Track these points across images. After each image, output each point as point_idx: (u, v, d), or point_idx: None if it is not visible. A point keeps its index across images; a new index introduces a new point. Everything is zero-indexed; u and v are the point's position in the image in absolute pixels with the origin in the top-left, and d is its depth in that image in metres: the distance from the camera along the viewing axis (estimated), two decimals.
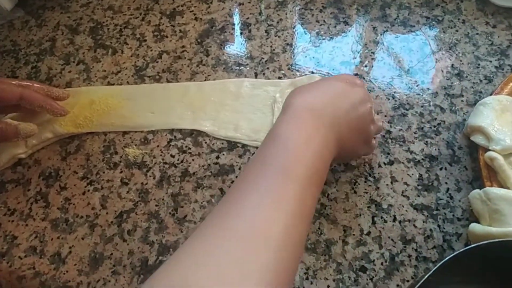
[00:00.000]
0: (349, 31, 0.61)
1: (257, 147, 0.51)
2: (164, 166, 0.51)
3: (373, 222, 0.45)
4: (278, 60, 0.59)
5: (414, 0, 0.63)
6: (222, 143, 0.52)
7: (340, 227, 0.45)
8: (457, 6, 0.62)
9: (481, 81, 0.54)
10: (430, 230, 0.44)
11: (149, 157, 0.52)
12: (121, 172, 0.51)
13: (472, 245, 0.34)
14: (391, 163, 0.49)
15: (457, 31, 0.59)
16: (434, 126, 0.51)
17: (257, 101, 0.55)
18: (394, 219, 0.45)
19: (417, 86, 0.54)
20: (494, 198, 0.40)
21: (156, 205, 0.48)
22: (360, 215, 0.46)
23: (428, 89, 0.54)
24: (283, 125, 0.37)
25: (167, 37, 0.63)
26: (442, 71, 0.55)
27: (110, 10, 0.68)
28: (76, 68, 0.62)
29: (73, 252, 0.46)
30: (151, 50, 0.62)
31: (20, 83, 0.50)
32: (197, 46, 0.62)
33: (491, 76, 0.54)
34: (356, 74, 0.56)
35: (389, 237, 0.44)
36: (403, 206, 0.46)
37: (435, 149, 0.49)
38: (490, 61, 0.55)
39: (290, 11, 0.64)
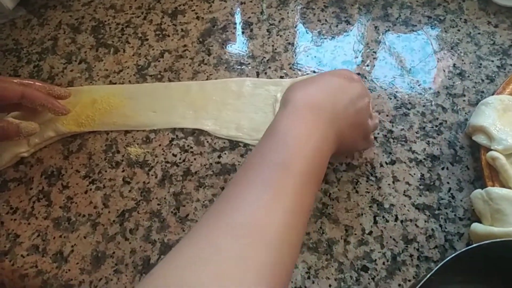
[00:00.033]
0: (350, 30, 0.61)
1: None
2: (166, 165, 0.51)
3: (375, 222, 0.45)
4: (279, 60, 0.59)
5: None
6: (224, 142, 0.52)
7: (341, 226, 0.45)
8: (459, 6, 0.61)
9: (483, 80, 0.54)
10: (432, 229, 0.44)
11: (151, 156, 0.52)
12: (123, 171, 0.51)
13: (474, 245, 0.34)
14: (393, 162, 0.49)
15: (459, 30, 0.59)
16: (436, 126, 0.51)
17: (259, 100, 0.55)
18: (396, 219, 0.45)
19: (419, 85, 0.54)
20: (496, 198, 0.40)
21: (158, 204, 0.49)
22: (362, 214, 0.46)
23: (430, 88, 0.54)
24: (283, 120, 0.37)
25: (169, 36, 0.63)
26: (444, 71, 0.55)
27: (112, 9, 0.68)
28: (78, 67, 0.62)
29: (75, 251, 0.46)
30: (153, 49, 0.62)
31: (21, 82, 0.50)
32: (199, 45, 0.62)
33: (493, 75, 0.54)
34: (358, 74, 0.56)
35: (390, 237, 0.44)
36: (404, 206, 0.46)
37: (437, 149, 0.49)
38: (492, 61, 0.55)
39: (292, 10, 0.64)
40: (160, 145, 0.53)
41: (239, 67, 0.59)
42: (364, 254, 0.43)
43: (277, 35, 0.61)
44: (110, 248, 0.46)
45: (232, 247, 0.28)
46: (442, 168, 0.48)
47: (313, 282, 0.42)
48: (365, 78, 0.56)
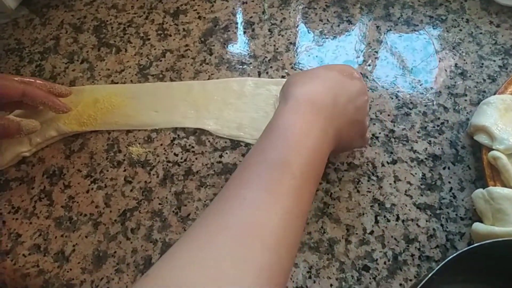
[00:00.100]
0: (352, 30, 0.61)
1: None
2: (167, 165, 0.51)
3: (376, 221, 0.45)
4: (281, 59, 0.59)
5: None
6: (225, 142, 0.52)
7: (343, 226, 0.45)
8: (461, 5, 0.61)
9: (484, 80, 0.54)
10: (433, 229, 0.44)
11: (153, 155, 0.52)
12: (124, 170, 0.52)
13: (475, 245, 0.34)
14: (394, 162, 0.49)
15: (460, 30, 0.59)
16: (438, 126, 0.51)
17: (260, 100, 0.55)
18: (397, 218, 0.45)
19: (420, 85, 0.54)
20: (497, 197, 0.40)
21: (160, 204, 0.49)
22: (363, 214, 0.46)
23: (431, 88, 0.54)
24: (284, 115, 0.37)
25: (170, 35, 0.64)
26: (446, 71, 0.55)
27: (114, 9, 0.68)
28: (80, 67, 0.62)
29: (77, 250, 0.46)
30: (155, 49, 0.62)
31: (22, 80, 0.50)
32: (200, 45, 0.62)
33: (495, 75, 0.54)
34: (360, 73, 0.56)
35: (392, 236, 0.44)
36: (406, 205, 0.46)
37: (438, 149, 0.49)
38: (494, 61, 0.55)
39: (294, 10, 0.64)
40: (161, 144, 0.53)
41: (241, 66, 0.59)
42: (365, 254, 0.43)
43: (279, 35, 0.62)
44: (111, 247, 0.46)
45: (230, 248, 0.28)
46: (444, 168, 0.48)
47: (314, 282, 0.42)
48: (367, 77, 0.56)
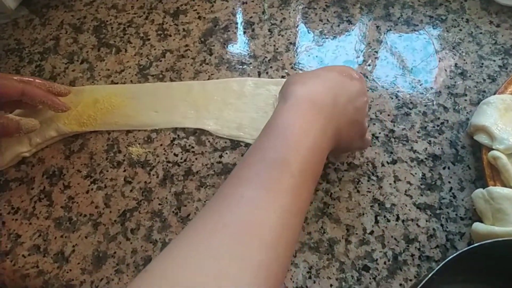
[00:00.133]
0: (352, 30, 0.61)
1: None
2: (167, 165, 0.51)
3: (376, 221, 0.45)
4: (281, 59, 0.59)
5: None
6: (225, 142, 0.52)
7: (343, 226, 0.45)
8: (461, 5, 0.61)
9: (484, 80, 0.54)
10: (433, 229, 0.44)
11: (153, 156, 0.52)
12: (124, 170, 0.52)
13: (475, 245, 0.34)
14: (394, 162, 0.49)
15: (460, 30, 0.59)
16: (438, 125, 0.51)
17: (260, 100, 0.55)
18: (397, 218, 0.45)
19: (420, 85, 0.54)
20: (497, 197, 0.40)
21: (160, 204, 0.49)
22: (363, 214, 0.46)
23: (431, 88, 0.54)
24: (283, 114, 0.37)
25: (170, 36, 0.64)
26: (446, 70, 0.55)
27: (114, 9, 0.68)
28: (80, 67, 0.62)
29: (77, 251, 0.46)
30: (155, 49, 0.62)
31: (21, 79, 0.49)
32: (200, 45, 0.62)
33: (495, 75, 0.54)
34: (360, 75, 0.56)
35: (392, 236, 0.44)
36: (406, 205, 0.46)
37: (438, 148, 0.49)
38: (494, 60, 0.55)
39: (294, 10, 0.64)
40: (161, 144, 0.53)
41: (241, 66, 0.59)
42: (365, 254, 0.43)
43: (279, 35, 0.61)
44: (111, 248, 0.46)
45: (228, 245, 0.28)
46: (444, 168, 0.48)
47: (314, 282, 0.42)
48: (367, 77, 0.56)
